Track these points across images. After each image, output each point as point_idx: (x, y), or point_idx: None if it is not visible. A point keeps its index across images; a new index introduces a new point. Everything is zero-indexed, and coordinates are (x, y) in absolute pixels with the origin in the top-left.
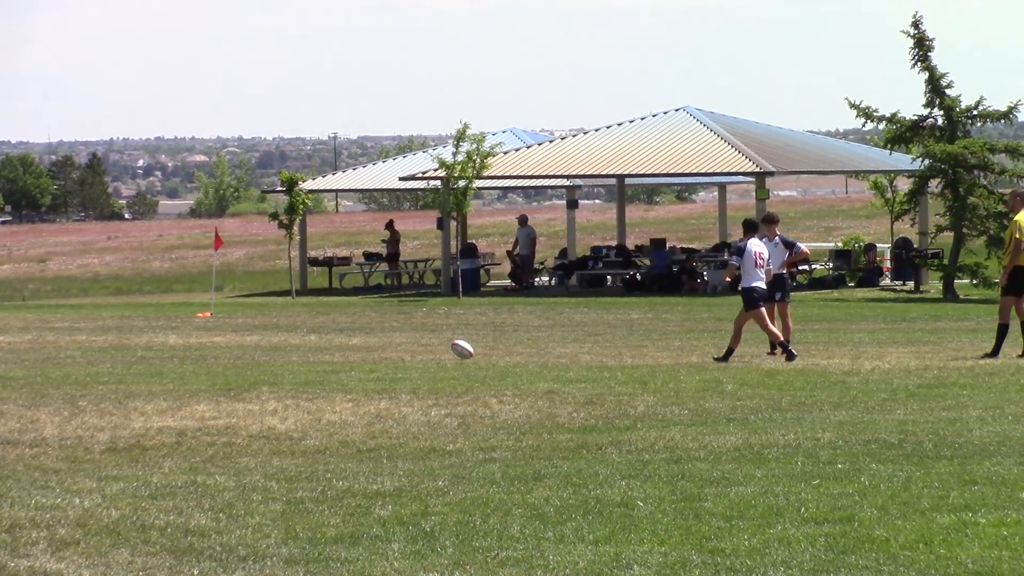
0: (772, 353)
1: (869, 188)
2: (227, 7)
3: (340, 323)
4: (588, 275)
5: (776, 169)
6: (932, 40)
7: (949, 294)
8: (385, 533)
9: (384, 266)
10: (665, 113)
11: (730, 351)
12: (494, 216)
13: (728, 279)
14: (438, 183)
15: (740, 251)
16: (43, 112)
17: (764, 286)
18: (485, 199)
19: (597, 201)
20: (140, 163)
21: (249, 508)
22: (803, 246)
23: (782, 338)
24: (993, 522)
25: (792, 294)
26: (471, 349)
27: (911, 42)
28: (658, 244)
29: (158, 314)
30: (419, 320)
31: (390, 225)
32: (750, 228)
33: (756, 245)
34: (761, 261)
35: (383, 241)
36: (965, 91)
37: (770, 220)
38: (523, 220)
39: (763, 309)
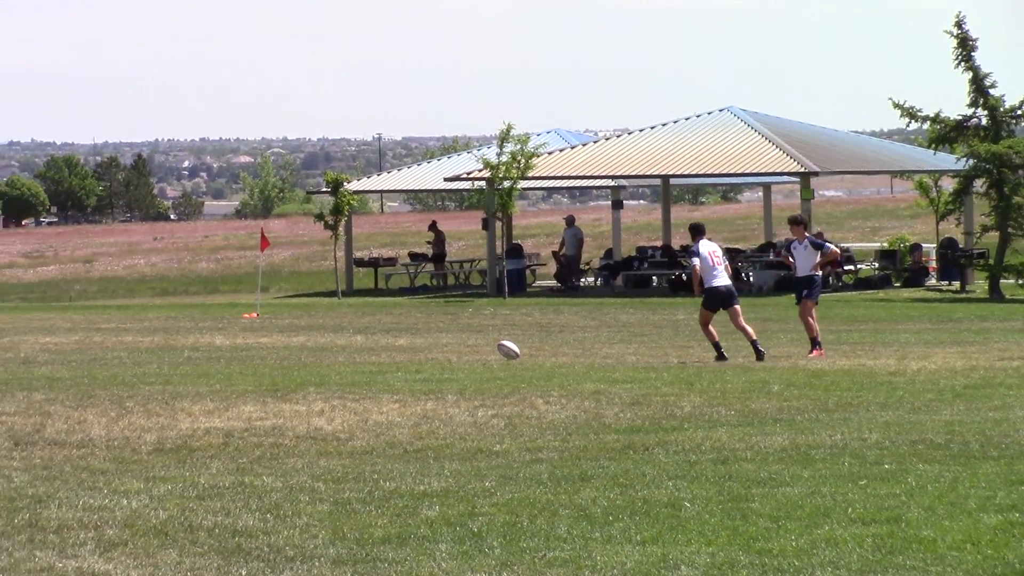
0: (722, 358)
1: (914, 188)
2: (271, 9)
3: (386, 324)
4: (634, 275)
5: (821, 169)
6: (975, 40)
7: (995, 294)
8: (432, 534)
9: (430, 267)
10: (709, 113)
11: (718, 351)
12: (539, 217)
13: (697, 286)
14: (483, 184)
15: (695, 254)
16: (88, 113)
17: (725, 283)
18: (530, 199)
19: (642, 201)
20: (185, 164)
21: (296, 509)
22: (832, 246)
23: (753, 336)
24: None
25: (837, 294)
26: (517, 350)
27: (954, 42)
28: None
29: (204, 315)
30: (465, 321)
31: (433, 226)
32: (696, 232)
33: (707, 246)
34: (716, 259)
35: (428, 243)
36: (1009, 91)
37: (795, 222)
38: (570, 221)
39: (738, 307)
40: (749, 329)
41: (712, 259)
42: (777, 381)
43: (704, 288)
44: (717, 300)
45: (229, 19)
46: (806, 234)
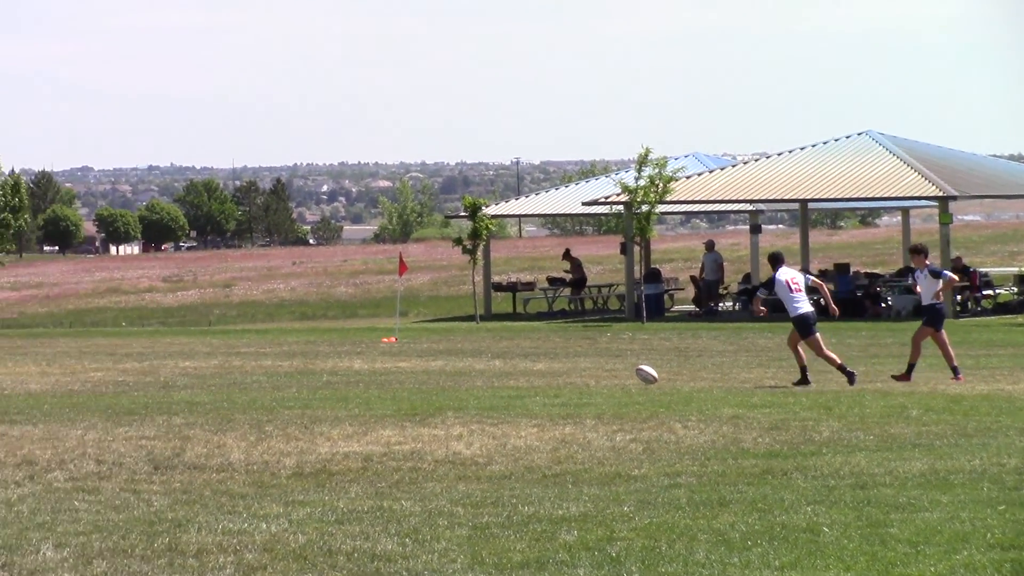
0: (803, 383)
1: None
2: (410, 35)
3: (524, 348)
4: (771, 300)
5: (959, 193)
6: None
7: None
8: (571, 558)
9: (568, 291)
10: (848, 137)
11: (804, 374)
12: (677, 241)
13: (757, 311)
14: (621, 208)
15: (770, 283)
16: (227, 138)
17: (809, 309)
18: (668, 224)
19: (780, 226)
20: (324, 188)
21: (435, 533)
22: (950, 274)
23: (839, 362)
24: None
25: (976, 319)
26: (655, 374)
27: None
28: (842, 269)
29: (343, 339)
30: (603, 345)
31: (567, 254)
32: (776, 260)
33: (785, 274)
34: (795, 287)
35: (566, 271)
36: None
37: (915, 251)
38: (710, 245)
39: (818, 335)
40: (834, 356)
41: (791, 286)
42: (916, 406)
43: (791, 317)
44: (807, 324)
45: (368, 45)
46: (926, 262)
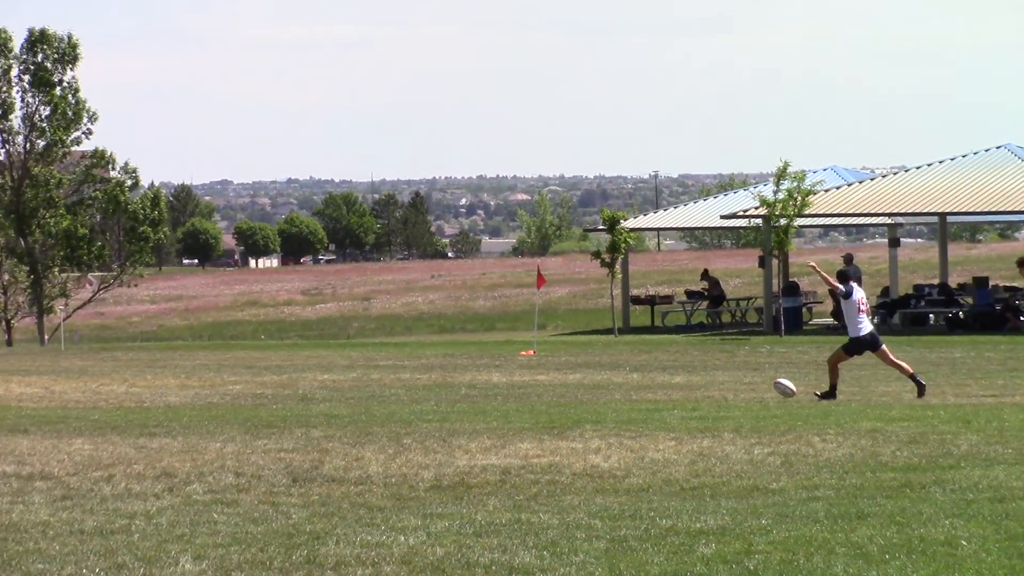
0: (832, 396)
1: None
2: (546, 48)
3: (662, 361)
4: (910, 314)
5: None
6: None
7: None
8: (709, 571)
9: (706, 304)
10: (986, 151)
11: (833, 390)
12: (816, 254)
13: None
14: (759, 221)
15: (848, 294)
16: (366, 151)
17: (869, 330)
18: (807, 237)
19: (919, 240)
20: (463, 202)
21: (573, 546)
22: None
23: (910, 370)
24: None
25: None
26: (793, 387)
27: None
28: (981, 282)
29: (481, 352)
30: (742, 358)
31: (705, 274)
32: (846, 278)
33: (859, 292)
34: (863, 306)
35: (704, 289)
36: None
37: (1021, 264)
38: (848, 259)
39: (884, 347)
40: (904, 364)
41: (860, 305)
42: None
43: (851, 337)
44: (863, 347)
45: (506, 58)
46: None
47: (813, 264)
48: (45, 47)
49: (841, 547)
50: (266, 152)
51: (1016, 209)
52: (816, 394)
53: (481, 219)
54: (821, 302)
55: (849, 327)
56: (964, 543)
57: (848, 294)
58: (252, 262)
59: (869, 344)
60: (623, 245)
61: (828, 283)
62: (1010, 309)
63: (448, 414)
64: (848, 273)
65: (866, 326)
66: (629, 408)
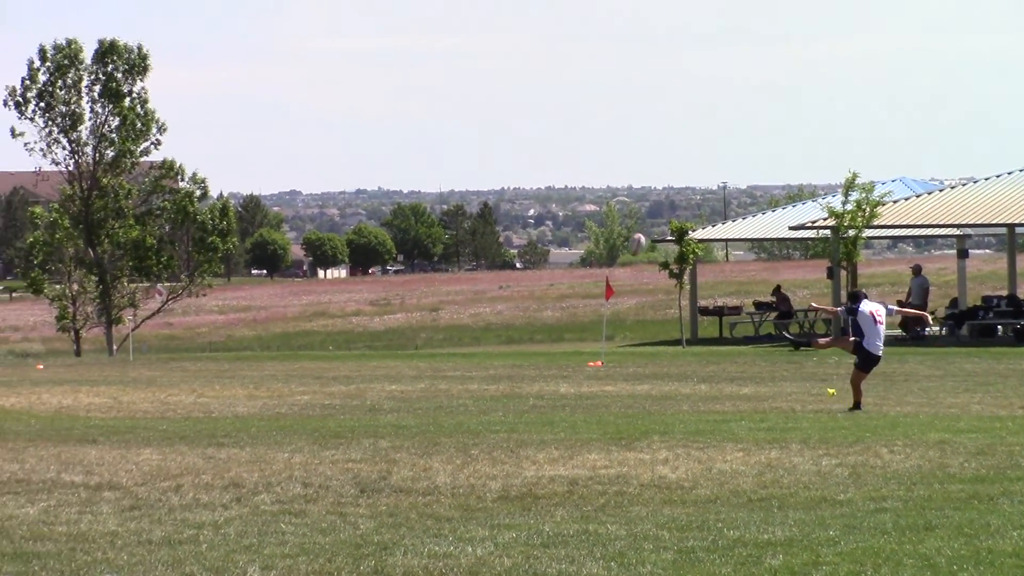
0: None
1: None
2: (617, 58)
3: (730, 372)
4: (979, 325)
5: None
6: None
7: None
8: None
9: (774, 315)
10: None
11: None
12: (884, 266)
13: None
14: (828, 232)
15: (853, 311)
16: (434, 162)
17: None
18: (875, 248)
19: (988, 251)
20: (531, 212)
21: (640, 557)
22: None
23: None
24: None
25: None
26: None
27: None
28: None
29: (549, 363)
30: (810, 370)
31: (777, 291)
32: (856, 298)
33: (868, 306)
34: (879, 318)
35: (772, 304)
36: None
37: None
38: (917, 270)
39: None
40: (860, 390)
41: (876, 318)
42: None
43: (869, 355)
44: (872, 363)
45: (574, 68)
46: None
47: (813, 304)
48: (115, 58)
49: (909, 559)
50: (334, 162)
51: None
52: (848, 409)
53: (549, 230)
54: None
55: (868, 345)
56: None
57: (853, 310)
58: (320, 273)
59: (875, 363)
60: (691, 256)
61: (827, 311)
62: None
63: (516, 425)
64: (858, 294)
65: (880, 346)
66: (697, 419)
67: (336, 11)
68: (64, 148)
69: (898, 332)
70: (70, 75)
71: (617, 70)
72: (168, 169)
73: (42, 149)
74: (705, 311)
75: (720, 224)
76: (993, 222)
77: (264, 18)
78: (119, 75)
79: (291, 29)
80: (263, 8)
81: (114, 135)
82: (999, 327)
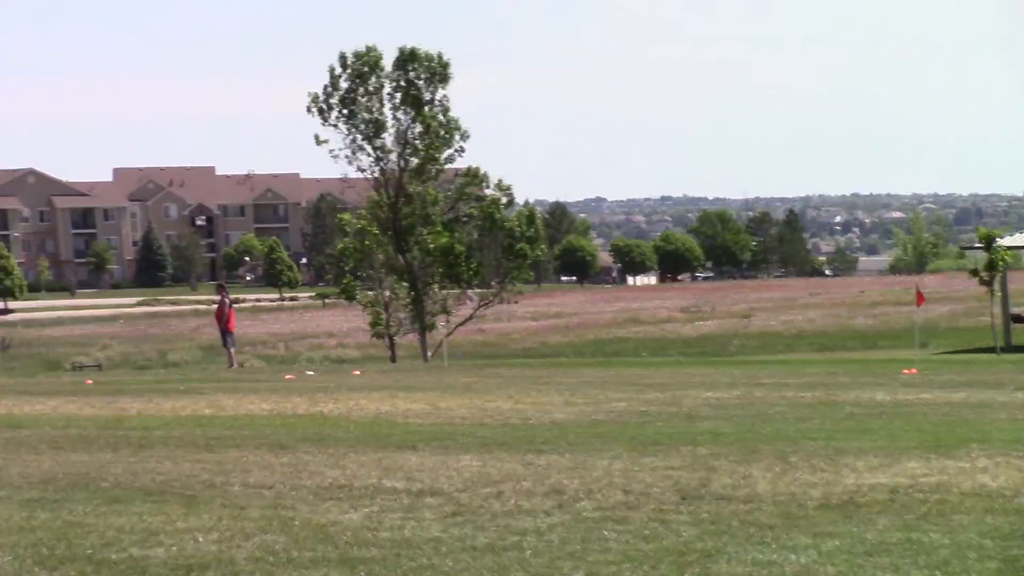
0: None
1: None
2: (917, 67)
3: None
4: None
5: None
6: None
7: None
8: None
9: None
10: None
11: None
12: None
13: None
14: None
15: None
16: (739, 168)
17: None
18: None
19: None
20: (837, 219)
21: (965, 566)
22: None
23: None
24: None
25: None
26: None
27: None
28: None
29: (863, 371)
30: None
31: None
32: None
33: None
34: None
35: None
36: None
37: None
38: None
39: None
40: None
41: None
42: None
43: None
44: None
45: (879, 75)
46: None
47: None
48: (415, 66)
49: None
50: (640, 170)
51: None
52: None
53: (856, 236)
54: None
55: None
56: None
57: None
58: (630, 279)
59: None
60: (1000, 263)
61: None
62: None
63: (833, 432)
64: None
65: None
66: (1015, 428)
67: (649, 16)
68: (369, 155)
69: None
70: (371, 82)
71: (926, 77)
72: (473, 176)
73: (347, 156)
74: (1018, 319)
75: None
76: None
77: (563, 24)
78: (421, 82)
79: (590, 36)
80: (586, 16)
81: (417, 142)
82: None
